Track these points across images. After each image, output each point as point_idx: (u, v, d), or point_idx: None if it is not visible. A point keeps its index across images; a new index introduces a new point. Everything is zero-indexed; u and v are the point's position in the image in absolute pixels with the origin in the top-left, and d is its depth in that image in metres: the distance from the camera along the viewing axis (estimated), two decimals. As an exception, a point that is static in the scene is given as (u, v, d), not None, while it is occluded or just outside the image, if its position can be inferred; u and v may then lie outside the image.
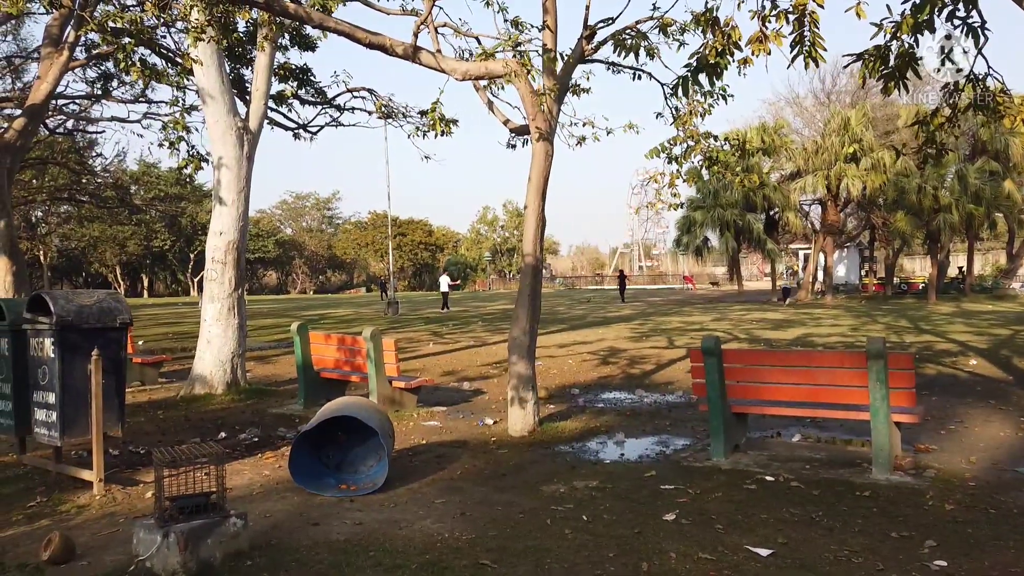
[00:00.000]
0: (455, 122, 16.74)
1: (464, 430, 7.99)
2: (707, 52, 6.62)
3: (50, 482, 5.97)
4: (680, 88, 6.85)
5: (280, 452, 7.05)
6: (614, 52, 7.84)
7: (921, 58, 6.55)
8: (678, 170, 9.59)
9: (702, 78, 6.79)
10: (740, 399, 6.45)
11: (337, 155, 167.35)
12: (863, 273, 47.55)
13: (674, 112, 9.33)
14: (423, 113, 18.78)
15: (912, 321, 22.71)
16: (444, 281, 33.65)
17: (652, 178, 9.63)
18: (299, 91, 17.08)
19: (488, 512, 5.10)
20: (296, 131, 17.82)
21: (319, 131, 18.52)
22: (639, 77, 9.27)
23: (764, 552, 4.21)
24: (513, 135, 9.53)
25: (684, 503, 5.20)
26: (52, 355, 5.50)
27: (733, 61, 6.67)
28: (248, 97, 11.63)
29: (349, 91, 17.72)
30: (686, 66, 6.77)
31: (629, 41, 7.68)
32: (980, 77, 6.61)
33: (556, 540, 4.51)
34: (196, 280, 73.05)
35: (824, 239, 36.42)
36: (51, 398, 5.56)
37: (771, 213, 38.34)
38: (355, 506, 5.31)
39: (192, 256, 71.66)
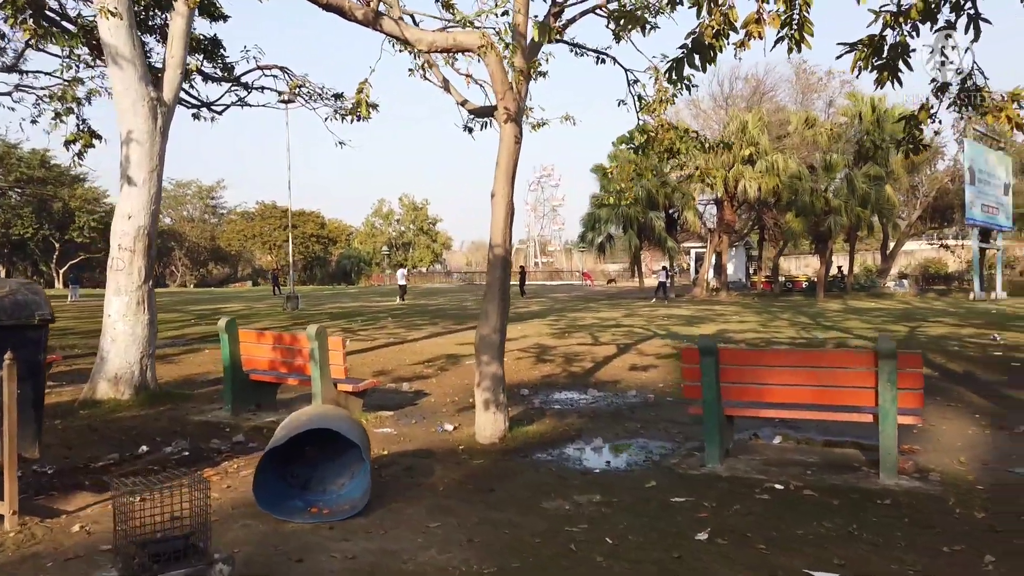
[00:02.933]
0: (375, 106, 15.88)
1: (423, 437, 7.29)
2: (703, 32, 6.24)
3: (-59, 515, 4.85)
4: (674, 71, 6.42)
5: (221, 468, 6.13)
6: (608, 22, 7.34)
7: (914, 50, 6.41)
8: (638, 160, 9.27)
9: (695, 61, 6.42)
10: (735, 401, 6.10)
11: (221, 140, 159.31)
12: (751, 271, 49.58)
13: (637, 101, 8.98)
14: (338, 96, 17.76)
15: (811, 317, 23.55)
16: (401, 274, 37.86)
17: (609, 171, 9.21)
18: (204, 65, 15.66)
19: (497, 537, 4.47)
20: (198, 110, 16.37)
21: (224, 111, 17.12)
22: (603, 61, 8.84)
23: (827, 576, 3.82)
24: (471, 117, 8.86)
25: (706, 519, 4.76)
26: (-49, 359, 4.42)
27: (728, 43, 6.34)
28: (160, 73, 10.37)
29: (259, 68, 16.44)
30: (681, 47, 6.36)
31: (617, 10, 7.18)
32: (968, 72, 6.55)
33: (592, 570, 3.96)
34: (62, 271, 67.51)
35: (720, 237, 37.57)
36: (-51, 413, 4.47)
37: (670, 212, 39.22)
38: (337, 534, 4.55)
39: (58, 245, 66.11)
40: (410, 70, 10.41)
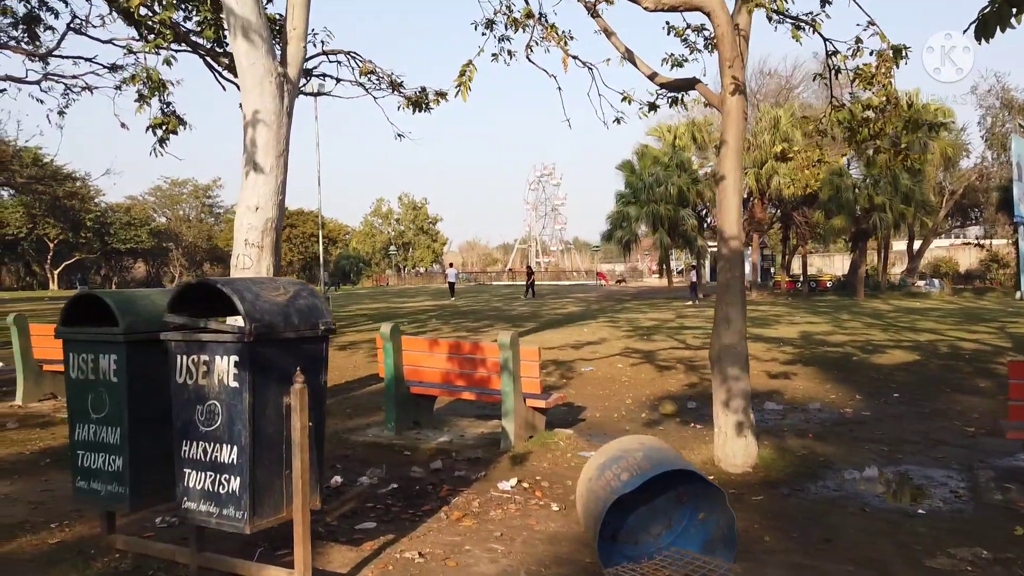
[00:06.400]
0: (444, 95, 14.65)
1: (649, 463, 6.20)
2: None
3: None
4: (984, 27, 5.39)
5: (460, 506, 5.01)
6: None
7: None
8: (819, 143, 8.22)
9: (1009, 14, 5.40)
10: (1075, 424, 5.09)
11: (216, 137, 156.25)
12: (771, 271, 48.86)
13: (834, 74, 7.97)
14: (395, 86, 16.55)
15: (874, 318, 22.61)
16: (452, 272, 39.33)
17: (789, 152, 8.18)
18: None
19: (942, 614, 3.41)
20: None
21: (285, 98, 15.89)
22: (801, 29, 7.79)
23: None
24: (662, 92, 7.78)
25: None
26: (234, 384, 3.29)
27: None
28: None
29: (325, 53, 15.22)
30: (991, 1, 5.35)
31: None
32: None
33: None
34: (57, 272, 65.51)
35: (748, 236, 36.65)
36: (226, 454, 3.34)
37: (698, 209, 38.26)
38: (724, 611, 3.48)
39: (51, 244, 64.08)
40: (505, 52, 9.41)
